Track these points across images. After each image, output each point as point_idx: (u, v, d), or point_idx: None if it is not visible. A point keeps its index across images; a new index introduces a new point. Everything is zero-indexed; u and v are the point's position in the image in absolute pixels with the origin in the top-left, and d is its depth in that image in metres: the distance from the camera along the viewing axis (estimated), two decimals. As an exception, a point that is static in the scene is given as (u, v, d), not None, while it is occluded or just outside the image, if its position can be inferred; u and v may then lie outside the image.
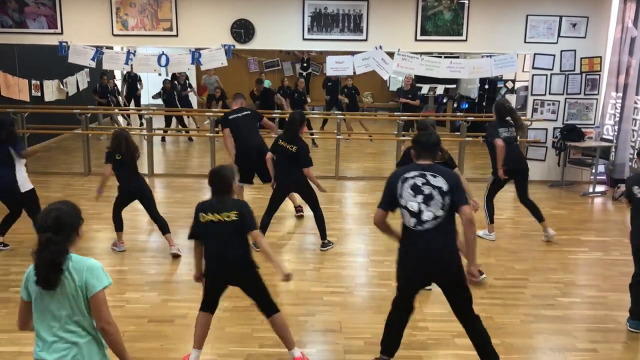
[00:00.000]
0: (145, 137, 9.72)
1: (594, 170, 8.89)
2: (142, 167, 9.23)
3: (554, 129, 9.28)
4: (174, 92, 12.83)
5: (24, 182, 5.77)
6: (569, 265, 5.97)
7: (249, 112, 7.21)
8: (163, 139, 12.70)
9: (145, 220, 6.29)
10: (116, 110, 13.41)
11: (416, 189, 3.43)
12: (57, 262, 2.46)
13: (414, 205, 3.42)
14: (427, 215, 3.40)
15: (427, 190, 3.42)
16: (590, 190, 8.86)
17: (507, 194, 8.91)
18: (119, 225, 6.08)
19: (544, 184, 9.26)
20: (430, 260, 3.48)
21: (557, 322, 4.63)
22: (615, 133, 9.06)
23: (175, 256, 5.85)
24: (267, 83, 13.58)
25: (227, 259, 3.69)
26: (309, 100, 13.56)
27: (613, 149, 9.09)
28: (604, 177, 9.27)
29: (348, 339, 4.21)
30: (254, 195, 7.68)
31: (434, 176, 3.45)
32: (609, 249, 6.43)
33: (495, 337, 4.38)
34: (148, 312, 4.46)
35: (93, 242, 6.36)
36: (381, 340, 3.83)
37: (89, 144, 9.58)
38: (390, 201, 3.55)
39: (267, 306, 3.83)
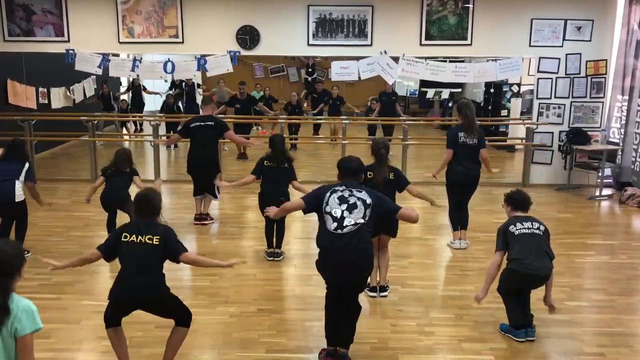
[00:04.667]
0: (152, 144, 9.78)
1: (600, 174, 8.85)
2: (149, 174, 9.29)
3: (560, 132, 9.26)
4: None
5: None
6: (575, 269, 5.95)
7: (213, 124, 7.02)
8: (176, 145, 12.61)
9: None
10: (116, 118, 13.50)
11: (342, 199, 3.89)
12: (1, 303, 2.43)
13: (337, 212, 3.84)
14: (347, 221, 3.81)
15: (352, 200, 3.89)
16: (597, 193, 8.84)
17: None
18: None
19: (550, 188, 9.23)
20: (346, 259, 3.80)
21: (564, 326, 4.61)
22: (622, 136, 9.03)
23: None
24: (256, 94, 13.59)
25: (142, 282, 3.65)
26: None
27: (619, 152, 9.07)
28: (611, 181, 9.24)
29: (354, 344, 4.19)
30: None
31: (359, 191, 3.95)
32: (615, 253, 6.40)
33: (502, 342, 4.38)
34: (155, 318, 4.45)
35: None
36: (325, 334, 4.07)
37: (95, 151, 9.62)
38: (314, 206, 3.95)
39: (182, 318, 3.86)
